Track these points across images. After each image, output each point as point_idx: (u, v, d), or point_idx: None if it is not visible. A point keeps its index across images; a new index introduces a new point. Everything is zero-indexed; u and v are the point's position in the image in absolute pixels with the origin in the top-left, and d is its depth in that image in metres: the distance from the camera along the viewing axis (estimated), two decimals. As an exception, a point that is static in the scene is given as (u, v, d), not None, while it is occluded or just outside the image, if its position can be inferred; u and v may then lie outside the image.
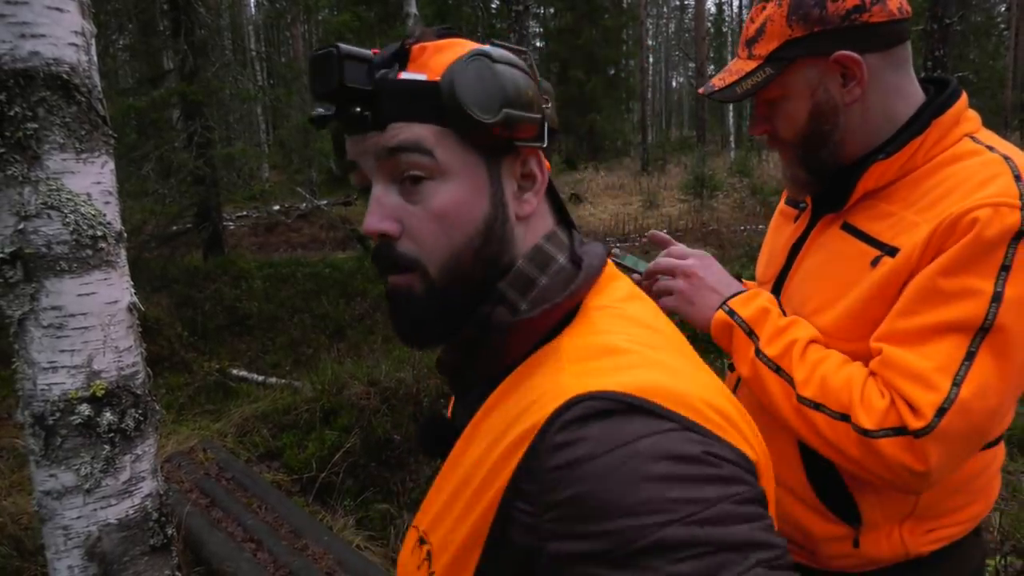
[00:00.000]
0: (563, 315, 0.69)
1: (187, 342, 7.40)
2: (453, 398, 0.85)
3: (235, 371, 6.68)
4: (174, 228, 10.09)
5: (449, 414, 0.83)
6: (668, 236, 1.41)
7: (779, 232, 1.33)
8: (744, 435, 0.63)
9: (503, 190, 0.70)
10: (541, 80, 0.71)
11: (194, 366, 6.77)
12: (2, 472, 4.32)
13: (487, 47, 0.67)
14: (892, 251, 1.04)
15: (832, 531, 1.13)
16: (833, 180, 1.16)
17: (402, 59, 0.68)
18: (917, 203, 1.05)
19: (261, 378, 6.37)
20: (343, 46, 0.65)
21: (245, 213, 15.65)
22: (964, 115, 1.10)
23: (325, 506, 4.19)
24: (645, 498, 0.53)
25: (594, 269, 0.72)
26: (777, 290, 1.24)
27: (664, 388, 0.60)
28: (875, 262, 1.05)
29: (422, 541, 0.69)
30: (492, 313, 0.69)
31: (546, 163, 0.73)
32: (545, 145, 0.70)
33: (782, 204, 1.37)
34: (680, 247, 1.40)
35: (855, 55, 1.05)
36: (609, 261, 0.78)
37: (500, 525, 0.61)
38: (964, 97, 1.11)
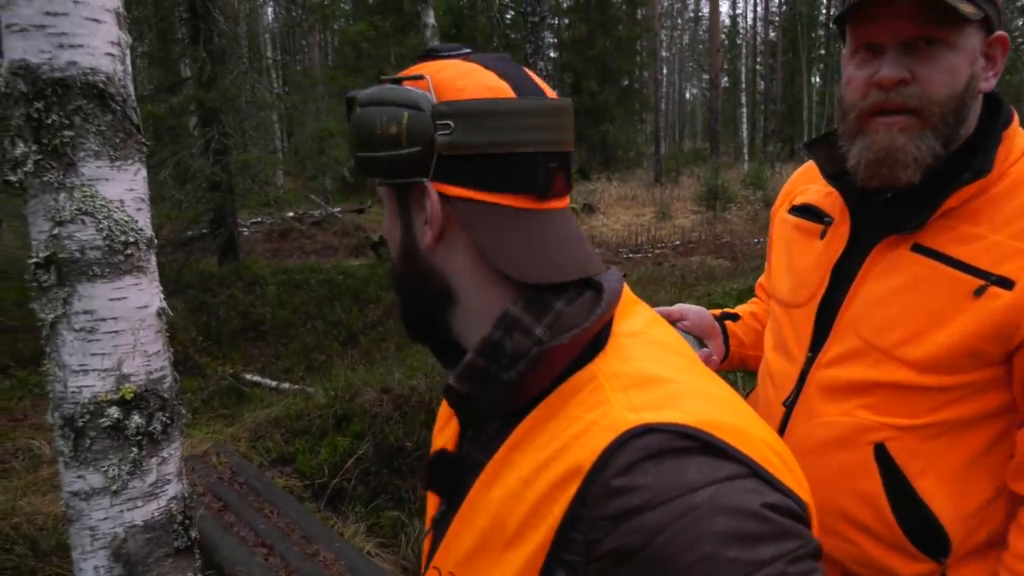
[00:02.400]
0: (591, 341, 0.66)
1: (201, 346, 7.45)
2: (444, 426, 0.83)
3: (248, 376, 6.71)
4: (189, 233, 10.17)
5: (446, 444, 0.80)
6: (670, 309, 1.40)
7: (801, 250, 1.23)
8: (795, 474, 0.62)
9: (411, 219, 0.71)
10: (463, 103, 0.65)
11: (208, 370, 6.82)
12: (18, 472, 4.36)
13: (365, 90, 0.69)
14: (1003, 282, 0.96)
15: (918, 569, 1.07)
16: (897, 196, 1.09)
17: None
18: (1008, 226, 0.98)
19: (274, 383, 6.41)
20: (348, 93, 0.72)
21: (259, 219, 15.76)
22: (1019, 128, 1.06)
23: (336, 512, 4.20)
24: (701, 556, 0.52)
25: (615, 293, 0.69)
26: (824, 315, 1.15)
27: (721, 423, 0.59)
28: (979, 292, 0.98)
29: None
30: (506, 340, 0.66)
31: (465, 193, 0.67)
32: (426, 178, 0.66)
33: (794, 219, 1.27)
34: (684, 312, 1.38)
35: (1008, 41, 0.98)
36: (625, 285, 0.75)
37: (549, 572, 0.59)
38: (1014, 109, 1.07)
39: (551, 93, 0.70)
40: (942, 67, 1.00)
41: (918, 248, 1.05)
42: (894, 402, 1.05)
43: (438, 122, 0.65)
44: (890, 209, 1.08)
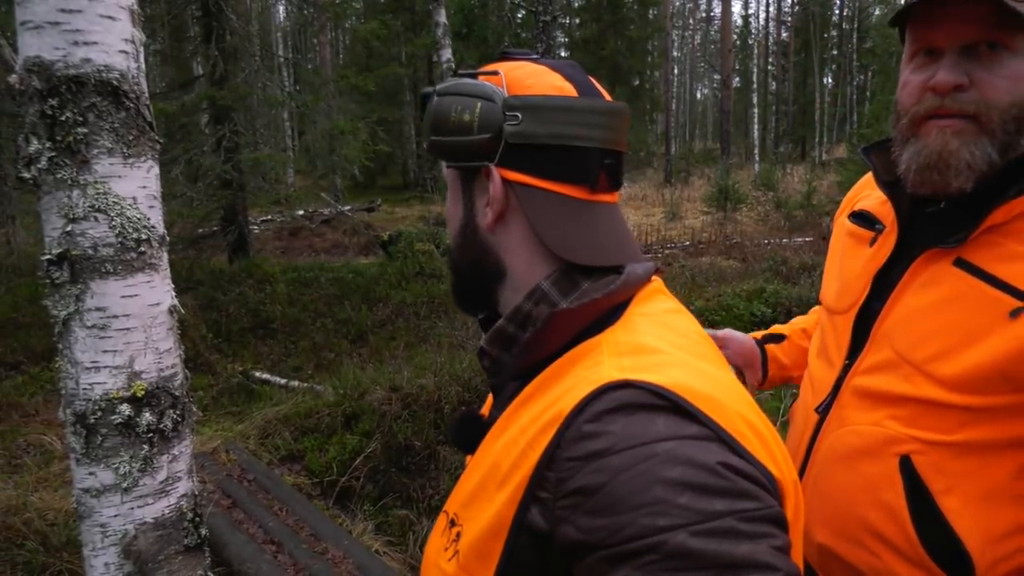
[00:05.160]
0: (601, 313, 0.72)
1: (211, 344, 7.48)
2: (490, 397, 0.87)
3: (258, 374, 6.73)
4: (200, 231, 10.21)
5: (485, 411, 0.85)
6: (715, 332, 1.38)
7: (852, 256, 1.21)
8: (772, 453, 0.64)
9: (473, 201, 0.78)
10: (530, 97, 0.73)
11: (218, 368, 6.84)
12: (29, 468, 4.38)
13: (446, 82, 0.77)
14: None
15: None
16: (948, 207, 1.05)
17: None
18: None
19: (283, 381, 6.42)
20: (424, 90, 0.80)
21: (270, 217, 15.80)
22: None
23: (345, 510, 4.21)
24: (653, 498, 0.55)
25: (635, 276, 0.74)
26: (862, 323, 1.13)
27: (699, 391, 0.62)
28: (1016, 313, 0.95)
29: (452, 523, 0.72)
30: (533, 310, 0.74)
31: (522, 178, 0.74)
32: (491, 162, 0.74)
33: (850, 225, 1.25)
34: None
35: None
36: (658, 278, 0.80)
37: (524, 511, 0.63)
38: None
39: (609, 98, 0.78)
40: (1003, 72, 0.96)
41: (960, 263, 1.01)
42: (923, 416, 1.03)
43: (507, 113, 0.73)
44: (937, 220, 1.05)
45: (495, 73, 0.76)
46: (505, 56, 0.80)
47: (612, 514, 0.56)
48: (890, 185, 1.15)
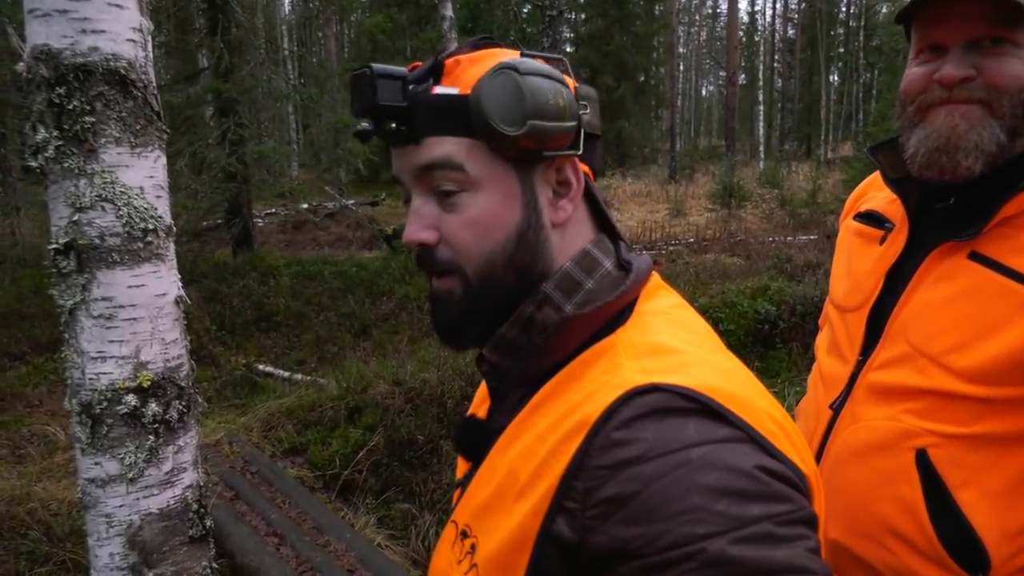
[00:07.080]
0: (613, 315, 0.70)
1: (215, 336, 7.49)
2: (484, 398, 0.85)
3: (261, 366, 6.75)
4: (205, 223, 10.22)
5: (480, 414, 0.82)
6: None
7: (861, 255, 1.22)
8: (797, 448, 0.63)
9: (537, 198, 0.71)
10: (581, 86, 0.72)
11: (221, 360, 6.86)
12: (33, 458, 4.39)
13: (515, 59, 0.67)
14: None
15: None
16: (958, 202, 1.07)
17: (436, 74, 0.70)
18: None
19: (287, 374, 6.43)
20: (376, 66, 0.68)
21: (274, 210, 15.82)
22: None
23: (347, 503, 4.22)
24: (691, 506, 0.54)
25: (642, 274, 0.73)
26: (875, 319, 1.14)
27: (725, 391, 0.61)
28: None
29: (464, 535, 0.70)
30: (536, 314, 0.71)
31: (585, 168, 0.74)
32: (579, 152, 0.71)
33: (857, 225, 1.26)
34: None
35: None
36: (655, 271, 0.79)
37: (549, 522, 0.61)
38: None
39: None
40: (1010, 62, 0.99)
41: (975, 256, 1.02)
42: (939, 409, 1.03)
43: (580, 101, 0.70)
44: (948, 216, 1.06)
45: (559, 59, 0.72)
46: (489, 42, 0.74)
47: (648, 523, 0.55)
48: (899, 183, 1.16)
